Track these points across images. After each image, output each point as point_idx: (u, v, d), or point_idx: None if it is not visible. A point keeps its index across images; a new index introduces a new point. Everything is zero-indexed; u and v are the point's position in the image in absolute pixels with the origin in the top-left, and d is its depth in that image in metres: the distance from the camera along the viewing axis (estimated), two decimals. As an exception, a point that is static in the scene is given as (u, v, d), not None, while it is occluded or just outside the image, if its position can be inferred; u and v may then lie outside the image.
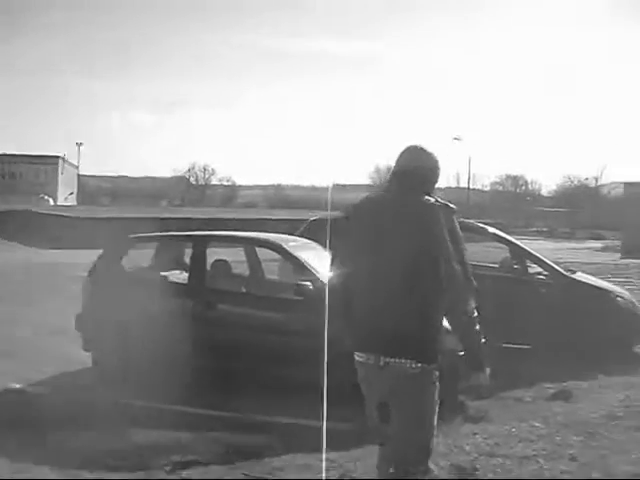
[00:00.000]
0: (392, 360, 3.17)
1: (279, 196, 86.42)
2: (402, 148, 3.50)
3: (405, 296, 3.17)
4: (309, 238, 8.49)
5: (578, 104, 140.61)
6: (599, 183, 75.53)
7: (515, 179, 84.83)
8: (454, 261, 3.14)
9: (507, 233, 11.39)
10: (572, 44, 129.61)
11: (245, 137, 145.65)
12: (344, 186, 77.76)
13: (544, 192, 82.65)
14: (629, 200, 38.78)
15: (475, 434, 5.55)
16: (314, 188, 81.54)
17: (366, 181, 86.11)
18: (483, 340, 3.24)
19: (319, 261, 7.05)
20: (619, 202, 40.55)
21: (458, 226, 3.26)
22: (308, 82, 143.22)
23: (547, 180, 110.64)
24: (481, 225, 10.46)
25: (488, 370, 3.22)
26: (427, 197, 3.29)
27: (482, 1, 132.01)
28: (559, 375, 7.46)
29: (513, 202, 72.23)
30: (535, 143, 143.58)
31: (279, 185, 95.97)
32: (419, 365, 3.16)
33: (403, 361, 3.15)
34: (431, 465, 3.30)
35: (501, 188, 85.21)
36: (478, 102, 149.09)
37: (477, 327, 3.19)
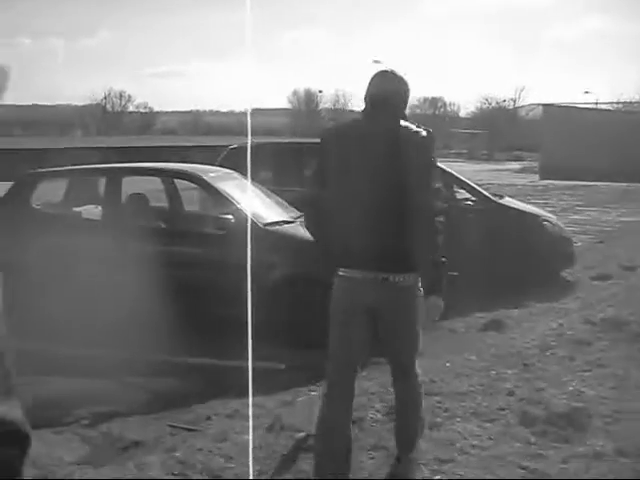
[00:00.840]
0: (391, 275, 3.37)
1: (198, 123, 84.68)
2: (373, 73, 3.58)
3: (395, 217, 3.36)
4: (229, 167, 8.06)
5: (495, 27, 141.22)
6: (517, 105, 76.46)
7: (433, 101, 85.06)
8: (432, 187, 3.41)
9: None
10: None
11: (164, 64, 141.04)
12: (263, 110, 76.94)
13: (462, 114, 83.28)
14: (547, 121, 39.27)
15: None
16: (233, 113, 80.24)
17: (285, 105, 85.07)
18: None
19: (240, 192, 6.68)
20: (537, 124, 41.10)
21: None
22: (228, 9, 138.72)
23: (465, 102, 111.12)
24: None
25: (440, 300, 3.45)
26: (409, 124, 3.47)
27: None
28: (490, 303, 7.36)
29: (432, 124, 72.33)
30: (453, 65, 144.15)
31: (197, 111, 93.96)
32: (411, 276, 3.41)
33: (400, 275, 3.38)
34: (418, 370, 3.71)
35: (419, 111, 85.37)
36: (396, 23, 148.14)
37: (440, 252, 3.38)
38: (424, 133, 3.47)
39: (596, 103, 66.58)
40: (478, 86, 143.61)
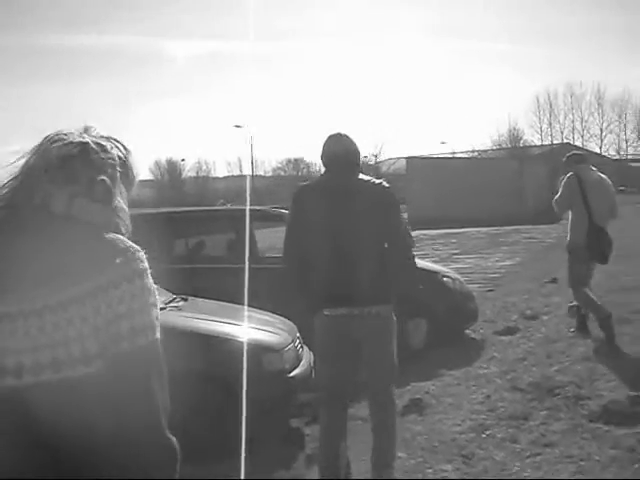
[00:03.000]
0: (373, 308, 3.88)
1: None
2: (327, 136, 4.09)
3: (372, 258, 3.88)
4: None
5: (350, 84, 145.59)
6: (378, 160, 77.97)
7: (296, 162, 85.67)
8: (404, 231, 4.04)
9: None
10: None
11: (17, 142, 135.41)
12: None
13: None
14: (410, 173, 39.85)
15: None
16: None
17: (148, 176, 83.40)
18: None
19: None
20: (401, 176, 41.65)
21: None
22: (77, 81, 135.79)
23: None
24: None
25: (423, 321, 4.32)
26: (374, 179, 4.08)
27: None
28: (398, 377, 6.45)
29: (297, 185, 72.53)
30: (312, 125, 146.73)
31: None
32: (389, 307, 3.95)
33: (379, 306, 3.90)
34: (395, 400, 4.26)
35: (283, 173, 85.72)
36: (256, 88, 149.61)
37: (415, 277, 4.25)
38: (386, 184, 4.04)
39: (453, 153, 69.09)
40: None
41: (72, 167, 1.58)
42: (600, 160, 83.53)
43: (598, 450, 4.38)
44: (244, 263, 6.47)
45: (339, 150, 4.02)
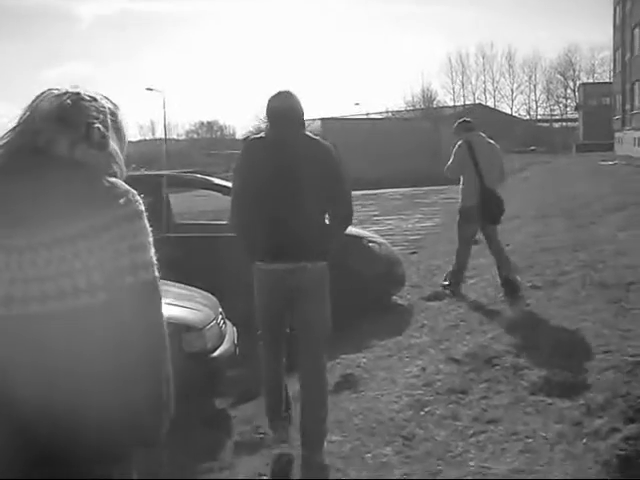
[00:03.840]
0: (306, 263, 3.99)
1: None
2: (272, 93, 4.11)
3: (311, 217, 4.00)
4: None
5: (262, 46, 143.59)
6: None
7: (210, 125, 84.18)
8: (346, 190, 4.11)
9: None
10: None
11: None
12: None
13: (239, 136, 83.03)
14: (325, 135, 39.49)
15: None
16: None
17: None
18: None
19: None
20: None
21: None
22: None
23: (242, 123, 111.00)
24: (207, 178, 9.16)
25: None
26: (315, 136, 4.12)
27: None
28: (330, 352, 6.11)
29: (211, 148, 71.45)
30: (225, 88, 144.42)
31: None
32: (324, 263, 4.09)
33: (313, 262, 4.02)
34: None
35: (196, 136, 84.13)
36: (167, 50, 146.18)
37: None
38: (327, 142, 4.12)
39: (367, 114, 68.94)
40: (252, 107, 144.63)
41: (70, 114, 1.68)
42: (511, 120, 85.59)
43: (543, 426, 4.14)
44: (160, 233, 5.97)
45: (286, 106, 4.08)
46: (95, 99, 1.75)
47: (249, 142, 4.21)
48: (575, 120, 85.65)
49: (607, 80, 78.63)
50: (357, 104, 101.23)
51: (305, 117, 4.14)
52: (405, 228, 17.12)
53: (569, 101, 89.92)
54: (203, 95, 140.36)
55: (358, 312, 7.13)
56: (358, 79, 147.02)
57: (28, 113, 1.71)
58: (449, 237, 14.08)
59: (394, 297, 8.18)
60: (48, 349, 1.54)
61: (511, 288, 7.55)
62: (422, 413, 4.55)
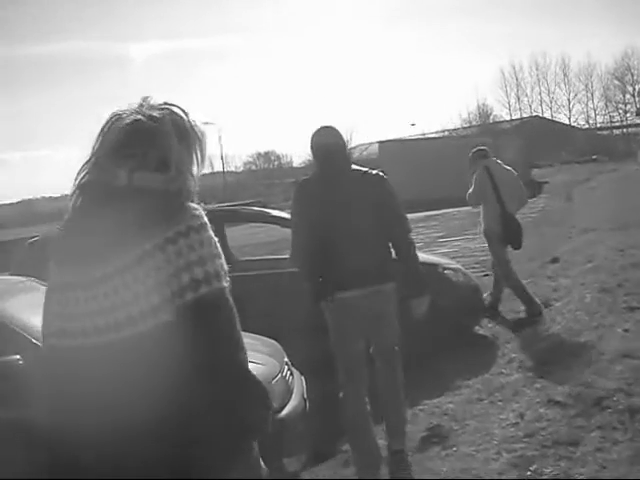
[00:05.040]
0: (379, 286, 4.18)
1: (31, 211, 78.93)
2: (315, 129, 4.27)
3: (374, 245, 4.20)
4: (27, 268, 5.69)
5: (316, 74, 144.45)
6: (350, 146, 76.86)
7: (267, 155, 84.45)
8: (401, 214, 4.31)
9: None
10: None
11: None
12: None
13: (296, 164, 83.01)
14: (383, 157, 39.05)
15: None
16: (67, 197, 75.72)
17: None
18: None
19: (33, 312, 4.36)
20: (374, 161, 40.70)
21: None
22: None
23: (299, 151, 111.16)
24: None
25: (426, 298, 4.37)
26: (371, 170, 4.31)
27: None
28: (409, 391, 5.46)
29: (269, 178, 71.58)
30: (280, 117, 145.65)
31: (30, 200, 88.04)
32: (393, 284, 4.27)
33: (383, 284, 4.21)
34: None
35: (254, 167, 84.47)
36: (219, 84, 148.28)
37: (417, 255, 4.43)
38: (382, 174, 4.28)
39: (424, 134, 68.22)
40: (307, 135, 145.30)
41: (128, 144, 1.71)
42: (570, 130, 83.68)
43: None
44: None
45: (329, 142, 4.21)
46: (156, 120, 1.75)
47: (300, 183, 4.35)
48: (635, 125, 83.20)
49: (669, 81, 76.32)
50: (413, 124, 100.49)
51: (348, 149, 4.60)
52: (473, 248, 16.32)
53: (629, 106, 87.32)
54: (258, 126, 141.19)
55: (438, 347, 6.48)
56: (413, 99, 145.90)
57: (98, 145, 1.76)
58: (523, 255, 13.35)
59: (475, 327, 7.48)
60: (115, 376, 1.55)
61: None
62: (528, 473, 3.87)
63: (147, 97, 1.81)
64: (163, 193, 1.70)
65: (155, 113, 1.76)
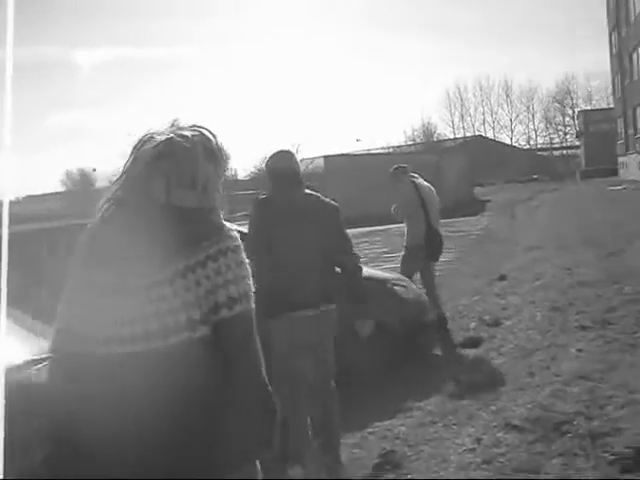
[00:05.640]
0: (325, 307, 4.30)
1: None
2: (272, 153, 4.51)
3: (321, 268, 4.31)
4: None
5: (262, 89, 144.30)
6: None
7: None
8: (350, 242, 4.50)
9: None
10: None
11: None
12: (36, 197, 71.48)
13: (241, 176, 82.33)
14: (328, 172, 38.96)
15: None
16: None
17: (59, 188, 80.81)
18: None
19: None
20: (319, 176, 40.52)
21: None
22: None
23: (244, 164, 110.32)
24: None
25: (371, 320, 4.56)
26: (318, 194, 4.49)
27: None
28: (358, 414, 5.19)
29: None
30: (228, 129, 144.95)
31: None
32: (334, 306, 4.36)
33: (330, 306, 4.33)
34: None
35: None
36: (168, 94, 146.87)
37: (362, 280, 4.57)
38: (334, 202, 4.51)
39: (369, 150, 68.42)
40: (254, 148, 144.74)
41: (163, 164, 1.78)
42: (511, 150, 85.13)
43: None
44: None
45: (284, 166, 4.39)
46: (188, 140, 1.81)
47: (260, 201, 4.44)
48: (574, 147, 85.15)
49: (604, 106, 78.28)
50: (358, 140, 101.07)
51: (301, 174, 4.47)
52: (419, 265, 16.21)
53: (568, 129, 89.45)
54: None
55: (388, 367, 6.21)
56: (358, 116, 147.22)
57: (130, 162, 1.82)
58: (469, 272, 13.26)
59: (426, 346, 7.25)
60: (143, 386, 1.59)
61: (442, 324, 7.75)
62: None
63: (176, 119, 1.88)
64: (198, 211, 1.78)
65: (186, 133, 1.83)
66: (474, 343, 7.11)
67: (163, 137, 1.82)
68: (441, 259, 16.65)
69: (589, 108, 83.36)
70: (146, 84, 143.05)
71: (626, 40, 48.21)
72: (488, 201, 39.26)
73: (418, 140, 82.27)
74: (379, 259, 17.86)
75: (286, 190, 4.38)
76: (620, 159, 55.28)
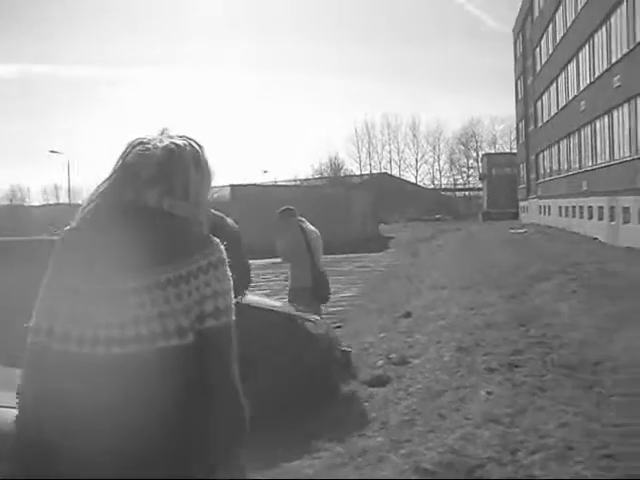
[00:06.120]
0: None
1: None
2: None
3: None
4: None
5: (169, 113, 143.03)
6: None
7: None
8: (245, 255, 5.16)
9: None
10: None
11: None
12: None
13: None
14: (234, 202, 38.74)
15: None
16: None
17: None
18: None
19: None
20: (225, 204, 40.16)
21: None
22: None
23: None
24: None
25: None
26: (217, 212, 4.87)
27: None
28: (260, 456, 4.96)
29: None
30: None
31: None
32: None
33: None
34: None
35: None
36: (70, 113, 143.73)
37: None
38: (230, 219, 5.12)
39: (275, 181, 68.54)
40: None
41: (157, 169, 1.81)
42: (416, 189, 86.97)
43: None
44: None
45: None
46: (180, 148, 1.85)
47: None
48: (477, 189, 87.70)
49: (508, 150, 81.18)
50: (265, 172, 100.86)
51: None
52: (324, 298, 16.10)
53: (472, 170, 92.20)
54: (109, 157, 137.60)
55: (296, 405, 5.99)
56: (266, 148, 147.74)
57: (120, 164, 1.86)
58: (375, 308, 13.24)
59: (335, 383, 7.08)
60: (127, 388, 1.63)
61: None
62: None
63: (166, 128, 1.92)
64: (187, 220, 1.82)
65: (177, 141, 1.87)
66: (382, 382, 6.99)
67: (157, 144, 1.85)
68: (347, 293, 16.92)
69: (493, 151, 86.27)
70: (47, 101, 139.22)
71: (531, 88, 50.18)
72: (392, 238, 39.81)
73: (325, 174, 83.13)
74: (283, 291, 17.66)
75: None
76: (521, 203, 57.27)
